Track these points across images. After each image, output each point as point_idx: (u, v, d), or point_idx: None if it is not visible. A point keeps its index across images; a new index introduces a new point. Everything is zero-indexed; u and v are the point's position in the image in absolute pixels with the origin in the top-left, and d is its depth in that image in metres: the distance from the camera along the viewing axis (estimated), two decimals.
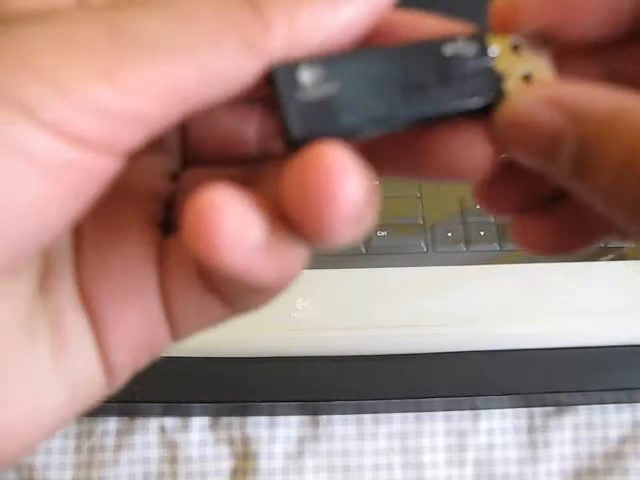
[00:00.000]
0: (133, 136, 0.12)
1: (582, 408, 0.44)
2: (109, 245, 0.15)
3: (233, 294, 0.16)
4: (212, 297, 0.16)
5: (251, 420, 0.44)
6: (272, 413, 0.44)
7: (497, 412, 0.44)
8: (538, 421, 0.44)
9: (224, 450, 0.44)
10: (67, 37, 0.12)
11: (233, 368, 0.38)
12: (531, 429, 0.44)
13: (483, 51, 0.15)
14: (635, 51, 0.16)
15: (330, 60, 0.13)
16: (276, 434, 0.44)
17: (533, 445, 0.44)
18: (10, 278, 0.14)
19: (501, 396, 0.41)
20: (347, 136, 0.14)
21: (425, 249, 0.42)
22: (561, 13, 0.14)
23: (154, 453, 0.44)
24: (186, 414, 0.44)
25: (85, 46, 0.12)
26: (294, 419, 0.45)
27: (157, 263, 0.16)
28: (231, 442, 0.44)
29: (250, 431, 0.44)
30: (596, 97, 0.14)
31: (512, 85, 0.15)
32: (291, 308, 0.40)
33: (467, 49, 0.14)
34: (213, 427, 0.45)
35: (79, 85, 0.12)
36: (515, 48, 0.15)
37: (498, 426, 0.44)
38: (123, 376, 0.16)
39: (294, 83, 0.13)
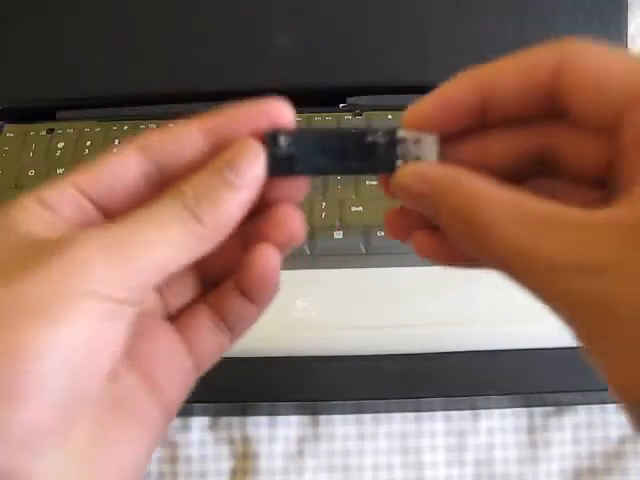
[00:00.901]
0: (143, 293, 0.22)
1: (582, 408, 0.44)
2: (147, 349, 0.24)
3: (239, 322, 0.25)
4: (222, 334, 0.25)
5: (251, 420, 0.45)
6: (272, 413, 0.44)
7: (497, 412, 0.44)
8: (538, 421, 0.44)
9: (224, 450, 0.44)
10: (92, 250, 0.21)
11: (233, 368, 0.38)
12: (531, 429, 0.44)
13: (392, 141, 0.23)
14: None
15: (298, 133, 0.23)
16: (276, 434, 0.44)
17: (533, 445, 0.44)
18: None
19: (501, 396, 0.41)
20: (296, 175, 0.24)
21: None
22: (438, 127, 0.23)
23: (154, 453, 0.44)
24: (186, 414, 0.44)
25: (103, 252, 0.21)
26: (294, 419, 0.45)
27: (181, 338, 0.25)
28: (231, 442, 0.44)
29: (250, 431, 0.44)
30: (443, 174, 0.21)
31: (403, 164, 0.23)
32: (291, 308, 0.40)
33: (381, 139, 0.23)
34: (213, 427, 0.45)
35: (118, 274, 0.21)
36: (417, 140, 0.23)
37: (498, 426, 0.44)
38: (174, 412, 0.25)
39: (275, 142, 0.23)
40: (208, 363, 0.25)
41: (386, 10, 0.51)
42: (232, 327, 0.25)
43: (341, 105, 0.51)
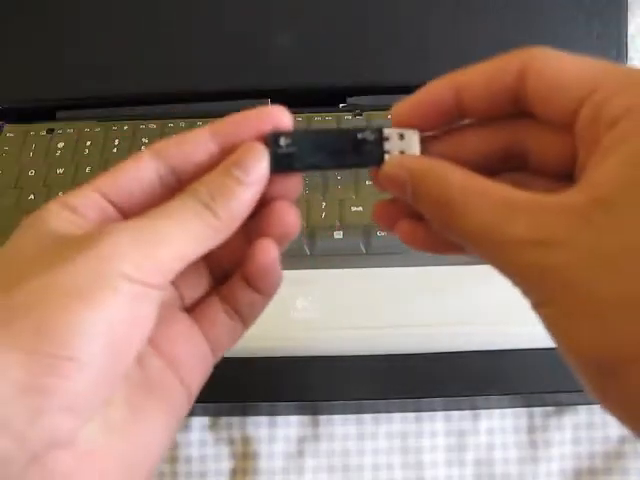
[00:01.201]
0: (168, 279, 0.24)
1: (582, 408, 0.44)
2: (167, 338, 0.27)
3: (249, 311, 0.28)
4: (235, 322, 0.28)
5: (251, 420, 0.45)
6: (272, 413, 0.44)
7: (497, 412, 0.44)
8: (538, 421, 0.44)
9: (224, 450, 0.44)
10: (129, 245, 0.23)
11: (233, 368, 0.38)
12: (531, 429, 0.44)
13: (379, 138, 0.26)
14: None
15: (296, 133, 0.26)
16: (276, 434, 0.44)
17: (533, 445, 0.44)
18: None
19: (501, 396, 0.41)
20: (296, 171, 0.26)
21: None
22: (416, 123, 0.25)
23: None
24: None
25: (131, 244, 0.23)
26: (294, 419, 0.45)
27: (199, 326, 0.27)
28: (231, 442, 0.44)
29: (250, 431, 0.44)
30: (419, 163, 0.24)
31: (389, 157, 0.26)
32: (291, 308, 0.40)
33: (370, 136, 0.26)
34: (213, 427, 0.45)
35: (146, 264, 0.23)
36: (401, 136, 0.25)
37: (498, 426, 0.44)
38: (194, 396, 0.27)
39: (276, 142, 0.25)
40: (223, 349, 0.28)
41: (386, 10, 0.51)
42: (243, 316, 0.28)
43: (341, 105, 0.51)
